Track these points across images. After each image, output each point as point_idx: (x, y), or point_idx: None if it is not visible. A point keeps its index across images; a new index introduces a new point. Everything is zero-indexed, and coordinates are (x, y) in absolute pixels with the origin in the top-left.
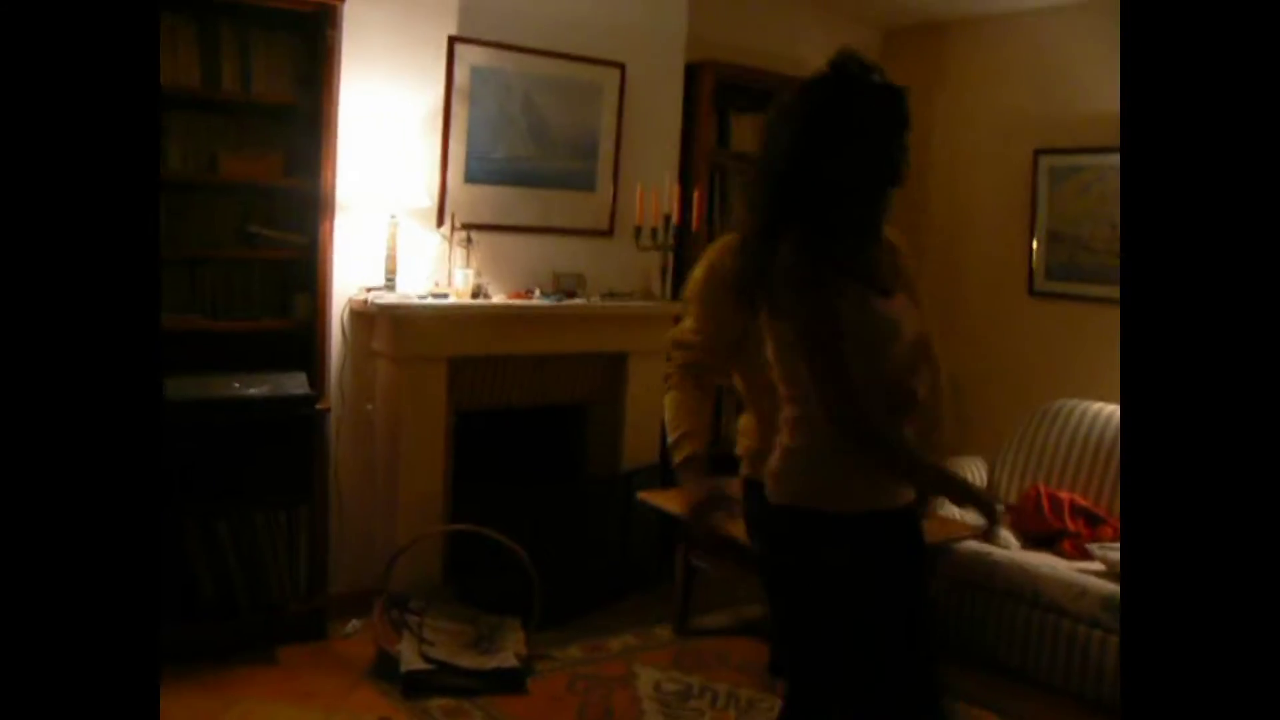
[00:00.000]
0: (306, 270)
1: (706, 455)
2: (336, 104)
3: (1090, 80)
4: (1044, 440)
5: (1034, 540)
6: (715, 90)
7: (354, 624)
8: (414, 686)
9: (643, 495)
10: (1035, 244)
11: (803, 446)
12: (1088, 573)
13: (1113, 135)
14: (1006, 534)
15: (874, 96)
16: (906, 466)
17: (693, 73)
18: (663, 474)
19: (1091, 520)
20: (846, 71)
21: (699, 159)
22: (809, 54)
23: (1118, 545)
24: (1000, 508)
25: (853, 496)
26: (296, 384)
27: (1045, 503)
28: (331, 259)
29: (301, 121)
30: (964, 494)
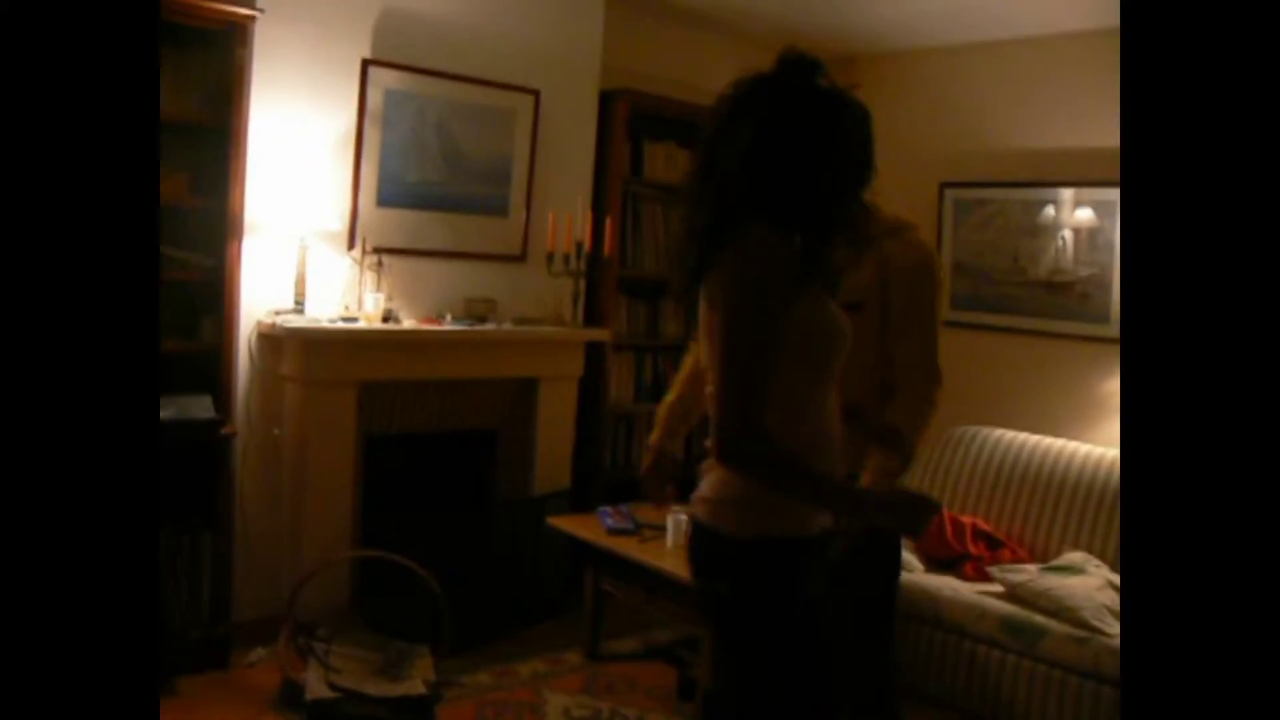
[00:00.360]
0: (213, 292)
1: (667, 440)
2: (246, 124)
3: (993, 116)
4: (948, 466)
5: (937, 564)
6: (629, 118)
7: (259, 652)
8: (320, 715)
9: (553, 521)
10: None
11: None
12: (988, 594)
13: (1015, 169)
14: (910, 557)
15: (833, 95)
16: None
17: (607, 100)
18: (573, 499)
19: (992, 544)
20: (804, 68)
21: (612, 186)
22: (722, 84)
23: (1017, 568)
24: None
25: (815, 514)
26: (202, 407)
27: (949, 527)
28: (239, 281)
29: (210, 141)
30: (891, 510)
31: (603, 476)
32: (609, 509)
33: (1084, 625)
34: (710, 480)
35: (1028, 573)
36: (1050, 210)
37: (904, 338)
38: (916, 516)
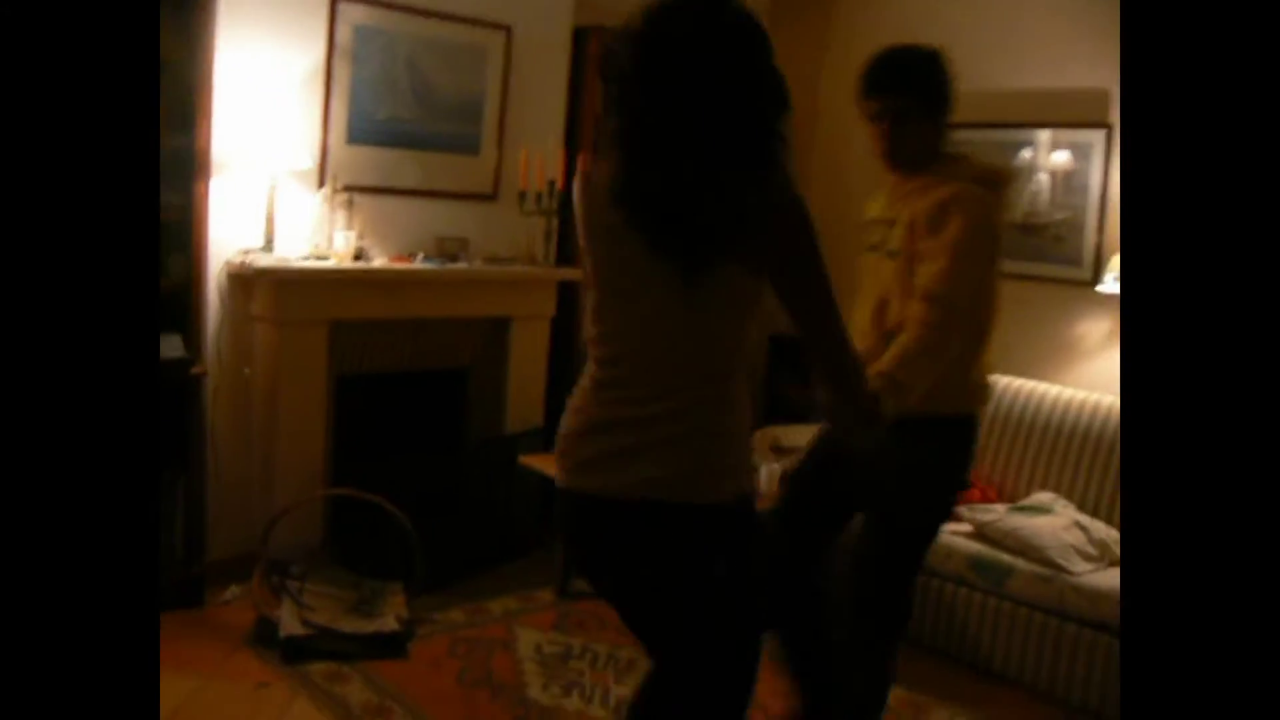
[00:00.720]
0: (181, 231)
1: None
2: (212, 61)
3: (970, 57)
4: None
5: None
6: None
7: (233, 590)
8: (293, 652)
9: (525, 459)
10: None
11: (712, 427)
12: (956, 534)
13: (992, 111)
14: None
15: (750, 19)
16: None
17: (581, 38)
18: (545, 438)
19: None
20: None
21: (585, 124)
22: None
23: (985, 508)
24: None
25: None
26: (171, 347)
27: None
28: (207, 220)
29: (177, 78)
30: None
31: None
32: None
33: (1050, 564)
34: (656, 457)
35: (995, 512)
36: (1027, 152)
37: (922, 265)
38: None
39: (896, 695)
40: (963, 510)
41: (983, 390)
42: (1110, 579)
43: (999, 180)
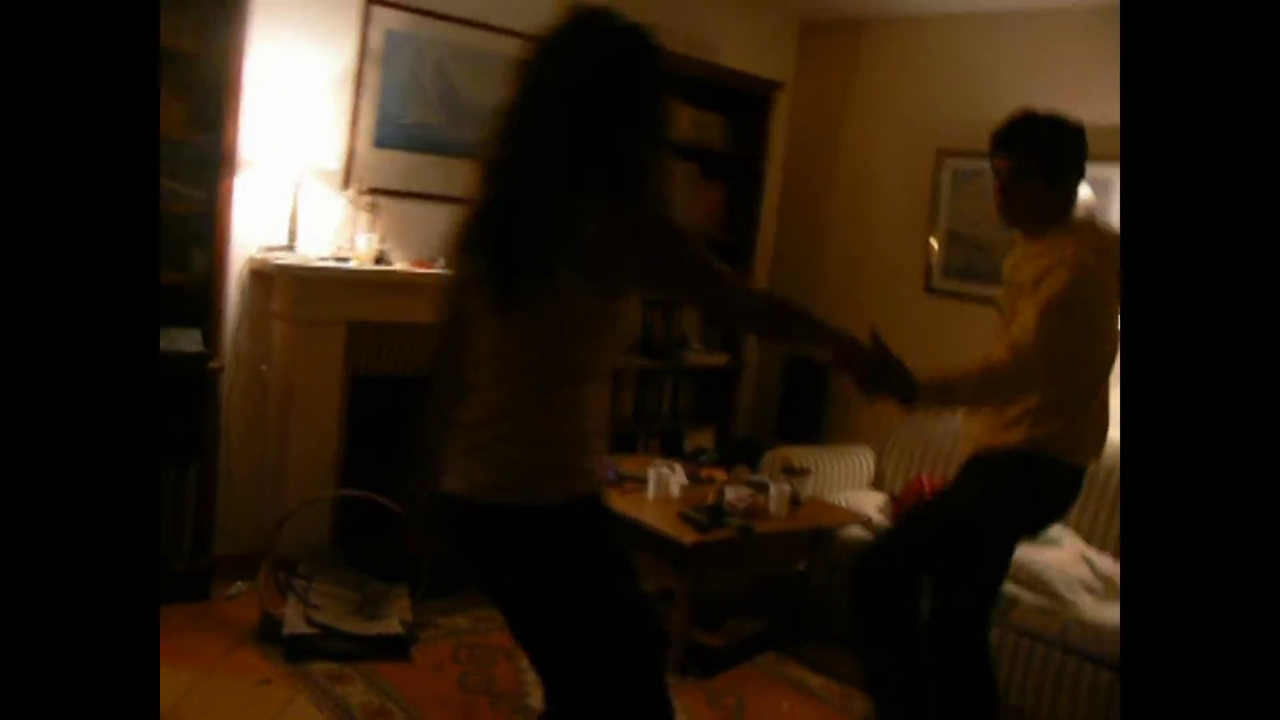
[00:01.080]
0: (206, 226)
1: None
2: (243, 58)
3: (993, 87)
4: (929, 432)
5: None
6: None
7: (239, 586)
8: (296, 650)
9: None
10: (934, 242)
11: (546, 432)
12: None
13: None
14: (889, 522)
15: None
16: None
17: None
18: None
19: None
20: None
21: None
22: (725, 41)
23: None
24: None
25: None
26: (190, 341)
27: (929, 492)
28: (231, 216)
29: (208, 73)
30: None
31: None
32: None
33: (1055, 596)
34: (489, 460)
35: None
36: None
37: (1016, 320)
38: (876, 379)
39: None
40: None
41: (1079, 444)
42: (1113, 614)
43: (1115, 248)
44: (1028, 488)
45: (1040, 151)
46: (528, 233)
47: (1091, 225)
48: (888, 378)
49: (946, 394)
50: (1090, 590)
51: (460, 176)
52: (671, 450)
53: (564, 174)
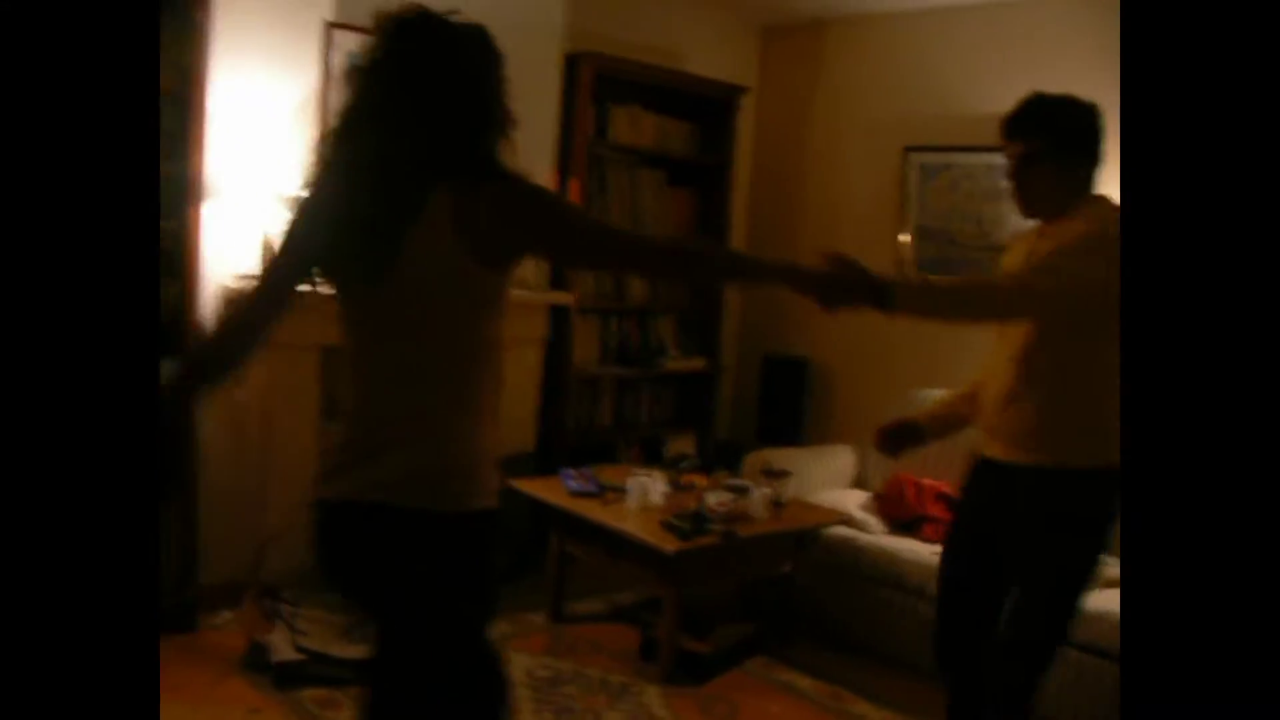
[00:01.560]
0: (174, 258)
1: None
2: (206, 88)
3: (959, 80)
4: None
5: (898, 526)
6: (595, 81)
7: (225, 615)
8: (286, 677)
9: (516, 483)
10: (906, 238)
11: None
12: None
13: (980, 135)
14: (872, 519)
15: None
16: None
17: (572, 63)
18: (537, 462)
19: (952, 505)
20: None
21: (578, 149)
22: (687, 48)
23: None
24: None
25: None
26: (165, 372)
27: (910, 490)
28: (200, 245)
29: (172, 105)
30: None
31: (567, 439)
32: (572, 471)
33: None
34: (404, 457)
35: None
36: None
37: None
38: (835, 291)
39: (886, 716)
40: None
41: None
42: (1107, 602)
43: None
44: (1109, 512)
45: (1050, 134)
46: (396, 221)
47: (1108, 200)
48: (853, 287)
49: (927, 297)
50: None
51: None
52: (652, 457)
53: (426, 164)
